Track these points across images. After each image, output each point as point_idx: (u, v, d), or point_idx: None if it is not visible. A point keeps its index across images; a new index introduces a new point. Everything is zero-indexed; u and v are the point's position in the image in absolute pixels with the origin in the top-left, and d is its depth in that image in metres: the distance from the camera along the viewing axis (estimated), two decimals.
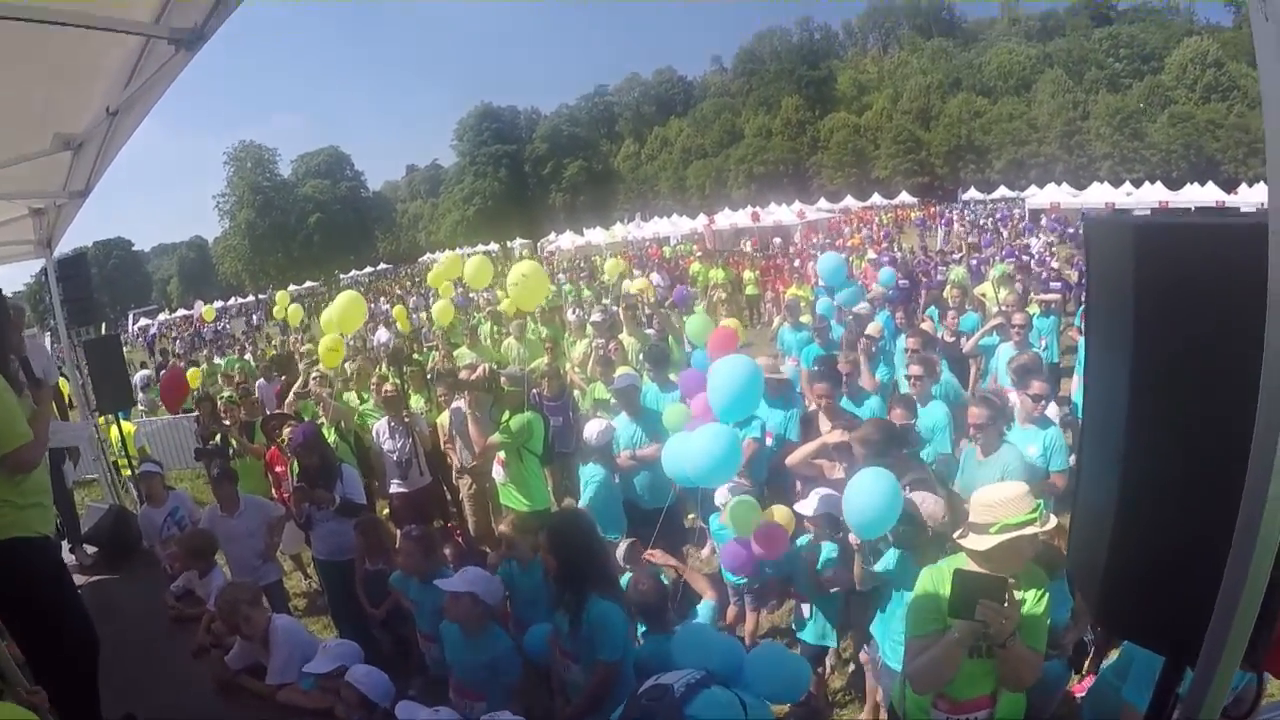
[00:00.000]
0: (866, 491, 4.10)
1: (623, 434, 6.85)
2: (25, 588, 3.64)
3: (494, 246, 62.21)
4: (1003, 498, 3.11)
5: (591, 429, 6.53)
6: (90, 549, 7.57)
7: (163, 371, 22.31)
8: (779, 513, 5.38)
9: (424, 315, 21.63)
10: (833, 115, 78.86)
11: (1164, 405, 1.90)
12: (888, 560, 4.32)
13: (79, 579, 6.96)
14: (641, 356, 9.30)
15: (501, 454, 6.82)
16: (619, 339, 9.82)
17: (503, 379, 7.10)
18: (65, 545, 7.57)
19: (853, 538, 4.32)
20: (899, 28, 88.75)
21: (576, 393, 9.27)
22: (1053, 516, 3.17)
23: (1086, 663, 5.14)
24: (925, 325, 9.71)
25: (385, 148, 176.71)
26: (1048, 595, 3.18)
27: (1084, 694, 4.27)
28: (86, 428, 8.69)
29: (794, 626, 5.43)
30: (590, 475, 6.49)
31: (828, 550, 5.00)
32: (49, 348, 12.22)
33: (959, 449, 6.22)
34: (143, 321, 58.50)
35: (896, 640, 4.23)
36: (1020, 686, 3.18)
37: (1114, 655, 4.27)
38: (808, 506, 4.99)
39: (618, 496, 6.61)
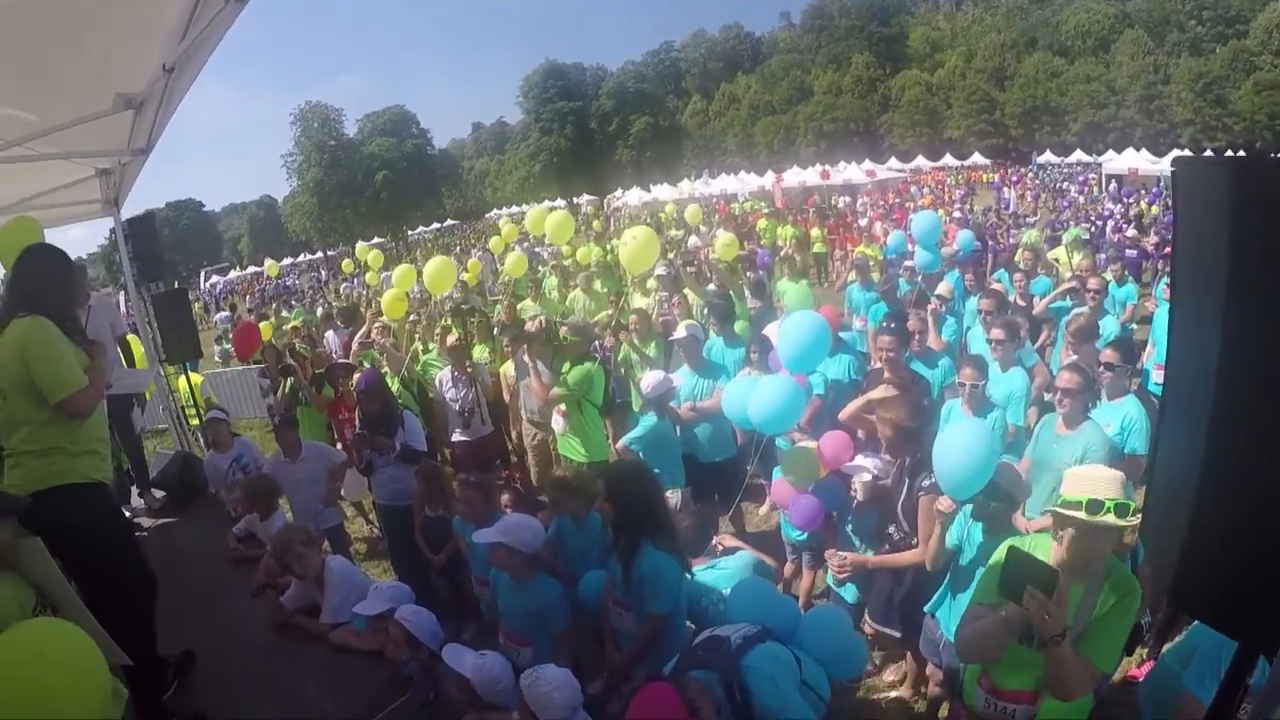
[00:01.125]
0: (961, 448, 3.87)
1: (685, 386, 6.78)
2: (79, 532, 3.70)
3: (560, 203, 62.13)
4: (1099, 477, 2.93)
5: (649, 380, 6.42)
6: (158, 493, 7.79)
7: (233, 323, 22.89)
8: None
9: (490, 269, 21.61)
10: (904, 73, 76.78)
11: (1259, 365, 1.66)
12: (960, 534, 4.17)
13: (146, 522, 7.30)
14: (705, 311, 9.19)
15: (562, 405, 6.80)
16: (683, 294, 9.71)
17: (564, 329, 7.06)
18: (134, 490, 7.93)
19: (941, 506, 4.06)
20: None
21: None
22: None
23: (1145, 648, 4.95)
24: (996, 288, 9.38)
25: (451, 106, 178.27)
26: (1130, 607, 2.98)
27: (1142, 678, 4.04)
28: (150, 374, 8.90)
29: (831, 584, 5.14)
30: (643, 421, 6.43)
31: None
32: (123, 305, 12.54)
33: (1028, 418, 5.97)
34: (214, 279, 59.95)
35: None
36: (1062, 695, 2.95)
37: (1175, 640, 4.12)
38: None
39: (676, 447, 6.51)
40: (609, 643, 4.33)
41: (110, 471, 4.20)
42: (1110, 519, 2.83)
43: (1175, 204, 2.06)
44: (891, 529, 4.54)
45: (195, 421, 9.81)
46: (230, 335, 18.74)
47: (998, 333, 6.33)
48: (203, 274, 62.36)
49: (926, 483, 4.16)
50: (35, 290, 3.78)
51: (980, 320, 7.45)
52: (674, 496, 5.00)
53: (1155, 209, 25.82)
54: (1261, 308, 1.63)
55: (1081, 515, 2.86)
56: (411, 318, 9.92)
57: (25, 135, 5.75)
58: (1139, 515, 2.76)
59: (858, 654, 3.82)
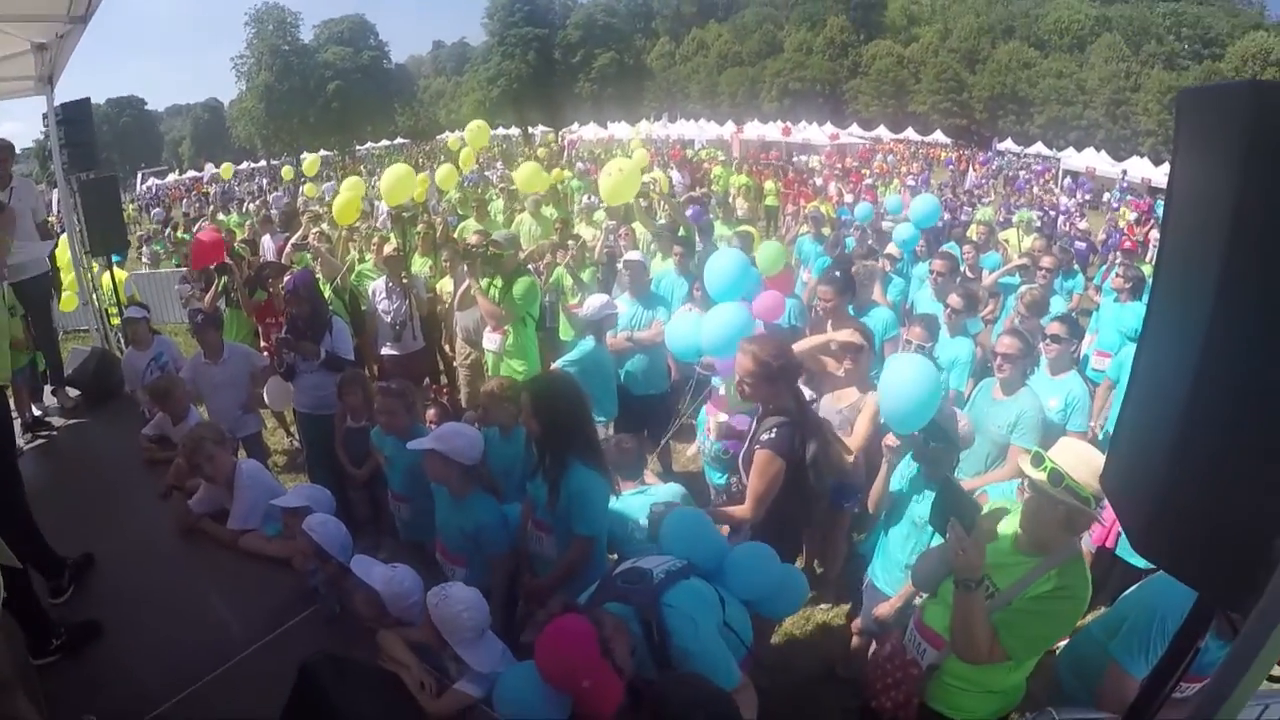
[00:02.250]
0: (906, 380, 3.84)
1: (624, 314, 6.69)
2: None
3: (515, 131, 61.10)
4: (1082, 457, 2.78)
5: (592, 302, 6.30)
6: (72, 392, 7.52)
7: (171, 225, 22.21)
8: None
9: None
10: (877, 42, 75.63)
11: (1260, 302, 1.46)
12: (903, 476, 4.13)
13: (58, 422, 7.06)
14: (652, 246, 9.08)
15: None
16: (631, 226, 9.58)
17: (491, 247, 6.86)
18: (48, 388, 7.65)
19: (888, 441, 4.06)
20: None
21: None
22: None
23: None
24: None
25: (413, 21, 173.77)
26: (1068, 608, 2.86)
27: (1060, 649, 3.98)
28: (49, 246, 8.39)
29: None
30: (580, 345, 6.30)
31: None
32: (55, 204, 12.02)
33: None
34: (151, 181, 58.15)
35: (895, 561, 4.08)
36: (961, 650, 2.90)
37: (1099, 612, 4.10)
38: None
39: (611, 376, 6.42)
40: (525, 569, 4.15)
41: (9, 372, 3.83)
42: (1061, 494, 2.72)
43: (1176, 140, 1.87)
44: (733, 480, 4.39)
45: (117, 321, 9.44)
46: (163, 237, 18.12)
47: (956, 300, 6.36)
48: (139, 175, 60.28)
49: (765, 436, 3.89)
50: None
51: (931, 281, 7.51)
52: (602, 431, 4.85)
53: (1132, 215, 25.93)
54: (1270, 240, 1.44)
55: (1041, 477, 2.76)
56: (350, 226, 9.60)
57: None
58: (1095, 508, 2.74)
59: (792, 591, 3.60)
